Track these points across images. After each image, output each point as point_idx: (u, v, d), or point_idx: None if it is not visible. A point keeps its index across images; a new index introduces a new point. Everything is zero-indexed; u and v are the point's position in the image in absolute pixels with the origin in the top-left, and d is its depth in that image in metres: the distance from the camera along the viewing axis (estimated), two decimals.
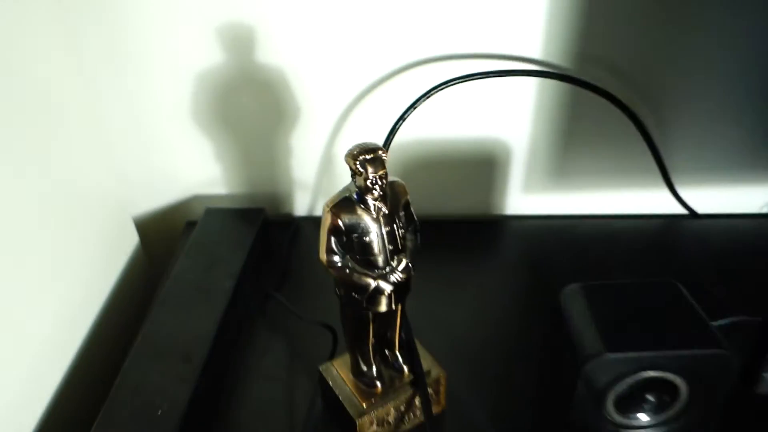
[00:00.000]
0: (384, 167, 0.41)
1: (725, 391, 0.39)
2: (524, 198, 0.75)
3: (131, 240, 0.73)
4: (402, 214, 0.43)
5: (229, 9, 0.63)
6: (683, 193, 0.73)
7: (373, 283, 0.43)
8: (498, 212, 0.76)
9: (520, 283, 0.66)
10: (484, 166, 0.73)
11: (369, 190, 0.41)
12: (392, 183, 0.43)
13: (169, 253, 0.72)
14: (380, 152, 0.40)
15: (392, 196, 0.43)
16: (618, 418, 0.40)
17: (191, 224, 0.73)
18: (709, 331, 0.39)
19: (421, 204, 0.46)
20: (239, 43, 0.64)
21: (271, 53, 0.65)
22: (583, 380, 0.38)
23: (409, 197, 0.44)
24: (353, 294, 0.44)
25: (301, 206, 0.77)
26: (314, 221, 0.76)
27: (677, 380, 0.39)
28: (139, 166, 0.73)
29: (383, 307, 0.45)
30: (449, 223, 0.73)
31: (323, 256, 0.43)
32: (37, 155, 0.56)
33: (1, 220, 0.51)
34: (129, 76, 0.66)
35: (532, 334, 0.59)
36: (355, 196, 0.42)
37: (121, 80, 0.66)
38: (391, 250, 0.43)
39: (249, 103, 0.69)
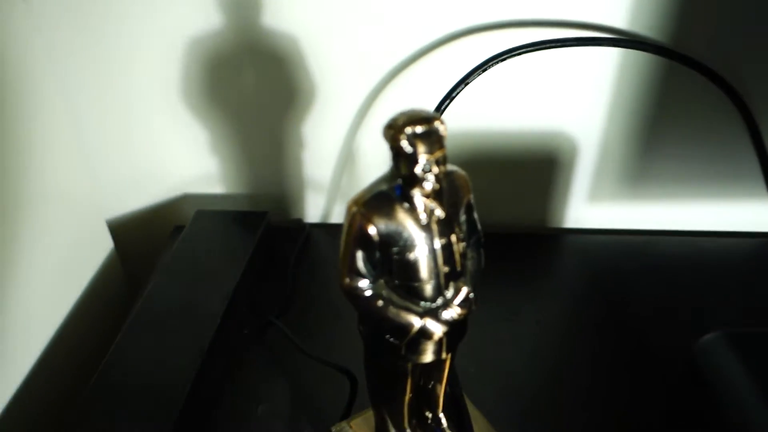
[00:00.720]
0: (443, 147, 0.27)
1: None
2: (591, 208, 0.61)
3: (103, 248, 0.59)
4: (463, 219, 0.29)
5: None
6: None
7: (417, 323, 0.28)
8: (558, 225, 0.62)
9: (590, 315, 0.51)
10: (542, 166, 0.58)
11: (419, 181, 0.27)
12: (450, 173, 0.29)
13: (152, 264, 0.58)
14: (437, 124, 0.26)
15: (450, 192, 0.29)
16: None
17: (179, 230, 0.60)
18: None
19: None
20: (240, 3, 0.51)
21: (280, 18, 0.52)
22: None
23: (472, 196, 0.30)
24: (387, 336, 0.30)
25: (313, 211, 0.63)
26: (329, 229, 0.62)
27: None
28: (117, 159, 0.59)
29: (429, 357, 0.30)
30: (498, 236, 0.58)
31: (345, 280, 0.28)
32: None
33: None
34: (105, 49, 0.53)
35: (615, 385, 0.44)
36: (396, 191, 0.27)
37: (96, 56, 0.53)
38: (446, 274, 0.29)
39: (251, 82, 0.55)
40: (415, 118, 0.26)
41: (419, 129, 0.26)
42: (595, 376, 0.45)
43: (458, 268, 0.29)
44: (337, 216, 0.63)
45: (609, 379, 0.45)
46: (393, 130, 0.26)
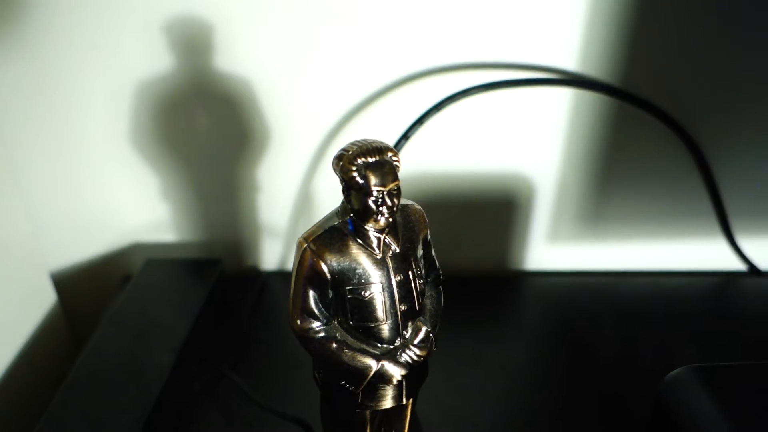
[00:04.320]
0: (396, 179, 0.26)
1: None
2: (551, 249, 0.60)
3: (46, 300, 0.56)
4: (420, 255, 0.28)
5: (179, 1, 0.49)
6: (745, 245, 0.59)
7: (375, 365, 0.27)
8: (518, 267, 0.61)
9: (555, 358, 0.50)
10: (500, 208, 0.58)
11: (372, 215, 0.25)
12: (405, 207, 0.28)
13: (98, 317, 0.55)
14: (390, 155, 0.25)
15: (406, 227, 0.27)
16: None
17: (128, 279, 0.57)
18: None
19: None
20: (192, 45, 0.50)
21: (232, 60, 0.51)
22: None
23: (428, 232, 0.29)
24: (343, 383, 0.28)
25: (270, 257, 0.61)
26: (286, 276, 0.60)
27: None
28: (62, 207, 0.57)
29: (388, 403, 0.29)
30: (459, 279, 0.57)
31: (297, 322, 0.27)
32: None
33: None
34: (49, 91, 0.51)
35: (584, 429, 0.43)
36: (348, 226, 0.26)
37: (39, 98, 0.51)
38: (403, 312, 0.27)
39: (204, 125, 0.54)
40: (366, 148, 0.25)
41: (371, 159, 0.25)
42: (563, 420, 0.44)
43: (416, 307, 0.28)
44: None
45: (578, 422, 0.44)
46: (343, 162, 0.25)
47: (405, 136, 0.47)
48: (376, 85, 0.52)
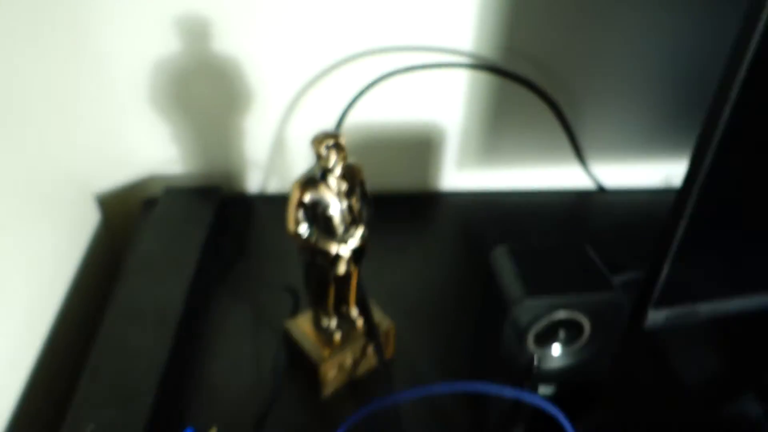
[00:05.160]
0: (344, 151, 0.48)
1: (619, 327, 0.49)
2: (458, 175, 0.84)
3: (94, 217, 0.77)
4: (358, 190, 0.51)
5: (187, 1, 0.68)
6: (594, 169, 0.84)
7: (334, 249, 0.50)
8: (435, 188, 0.85)
9: (456, 249, 0.75)
10: (422, 147, 0.81)
11: (331, 171, 0.48)
12: (350, 164, 0.50)
13: (130, 229, 0.76)
14: (340, 139, 0.48)
15: (350, 175, 0.50)
16: (537, 350, 0.50)
17: (150, 203, 0.78)
18: (607, 281, 0.49)
19: (367, 181, 0.54)
20: (195, 31, 0.70)
21: (226, 42, 0.71)
22: (509, 322, 0.47)
23: (363, 177, 0.52)
24: (316, 259, 0.52)
25: (253, 185, 0.83)
26: (267, 198, 0.82)
27: (582, 319, 0.48)
28: (100, 147, 0.77)
29: (342, 270, 0.52)
30: (393, 198, 0.81)
31: (291, 227, 0.50)
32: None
33: None
34: (89, 60, 0.70)
35: (466, 291, 0.68)
36: (319, 176, 0.49)
37: (83, 64, 0.70)
38: (349, 222, 0.50)
39: (205, 89, 0.74)
40: (328, 135, 0.47)
41: (330, 142, 0.47)
42: (457, 284, 0.69)
43: (357, 218, 0.51)
44: (272, 188, 0.83)
45: (461, 283, 0.69)
46: (317, 143, 0.47)
47: (349, 106, 0.69)
48: (328, 62, 0.73)
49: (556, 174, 0.85)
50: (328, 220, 0.50)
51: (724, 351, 0.62)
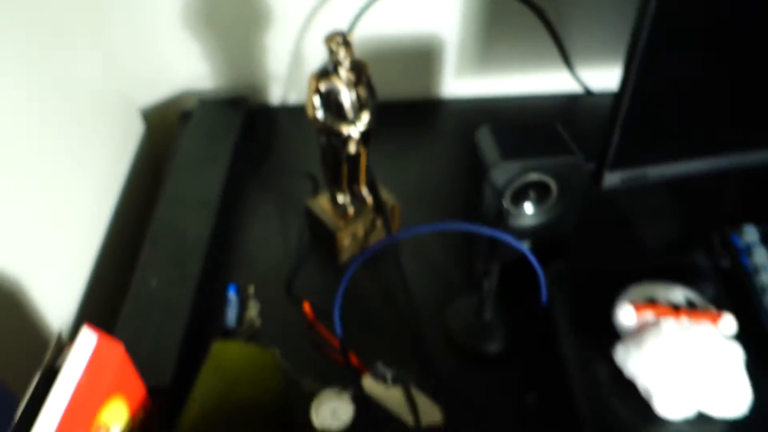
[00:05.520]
0: (351, 47, 0.58)
1: (581, 189, 0.60)
2: (457, 83, 0.94)
3: (139, 128, 0.89)
4: (365, 80, 0.61)
5: None
6: (582, 74, 0.93)
7: (345, 130, 0.61)
8: (437, 95, 0.95)
9: (454, 148, 0.85)
10: (423, 58, 0.90)
11: (341, 64, 0.58)
12: (357, 60, 0.61)
13: (170, 138, 0.88)
14: (348, 36, 0.58)
15: (357, 69, 0.60)
16: (512, 209, 0.61)
17: (186, 114, 0.89)
18: (571, 150, 0.59)
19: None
20: None
21: None
22: (488, 182, 0.57)
23: (369, 72, 0.62)
24: (331, 140, 0.62)
25: (275, 96, 0.94)
26: (288, 110, 0.93)
27: (550, 181, 0.59)
28: (141, 67, 0.88)
29: (353, 149, 0.63)
30: (397, 105, 0.91)
31: (310, 112, 0.61)
32: (51, 60, 0.71)
33: (32, 120, 0.67)
34: None
35: (463, 181, 0.79)
36: (331, 68, 0.59)
37: None
38: (357, 108, 0.61)
39: (230, 7, 0.84)
40: (339, 33, 0.57)
41: (339, 39, 0.57)
42: (453, 175, 0.80)
43: (364, 105, 0.61)
44: (293, 100, 0.94)
45: (455, 173, 0.79)
46: (328, 40, 0.57)
47: (356, 18, 0.79)
48: None
49: (547, 80, 0.94)
50: (340, 106, 0.60)
51: (679, 216, 0.73)
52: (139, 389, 0.50)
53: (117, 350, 0.47)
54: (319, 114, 0.61)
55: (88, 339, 0.45)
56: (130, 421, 0.49)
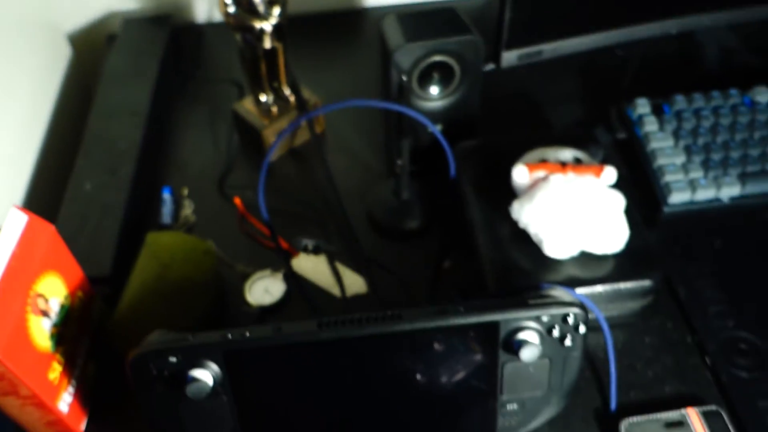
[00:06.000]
0: None
1: (480, 69, 0.64)
2: None
3: (67, 52, 0.90)
4: None
5: None
6: None
7: (258, 24, 0.64)
8: (360, 5, 0.97)
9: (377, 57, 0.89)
10: None
11: None
12: None
13: (97, 61, 0.89)
14: None
15: None
16: (420, 92, 0.65)
17: (112, 37, 0.90)
18: (469, 30, 0.63)
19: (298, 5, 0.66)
20: None
21: None
22: (394, 65, 0.61)
23: None
24: (246, 37, 0.65)
25: (201, 15, 0.95)
26: (214, 26, 0.95)
27: (451, 62, 0.63)
28: None
29: (268, 44, 0.66)
30: (320, 17, 0.93)
31: (222, 8, 0.63)
32: None
33: None
34: None
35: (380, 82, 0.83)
36: None
37: None
38: (267, 2, 0.64)
39: None
40: None
41: None
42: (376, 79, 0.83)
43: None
44: (218, 17, 0.95)
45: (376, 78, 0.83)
46: None
47: None
48: None
49: None
50: (251, 1, 0.63)
51: (585, 94, 0.79)
52: (75, 270, 0.54)
53: (48, 229, 0.51)
54: (231, 9, 0.63)
55: (18, 218, 0.48)
56: (69, 297, 0.53)
